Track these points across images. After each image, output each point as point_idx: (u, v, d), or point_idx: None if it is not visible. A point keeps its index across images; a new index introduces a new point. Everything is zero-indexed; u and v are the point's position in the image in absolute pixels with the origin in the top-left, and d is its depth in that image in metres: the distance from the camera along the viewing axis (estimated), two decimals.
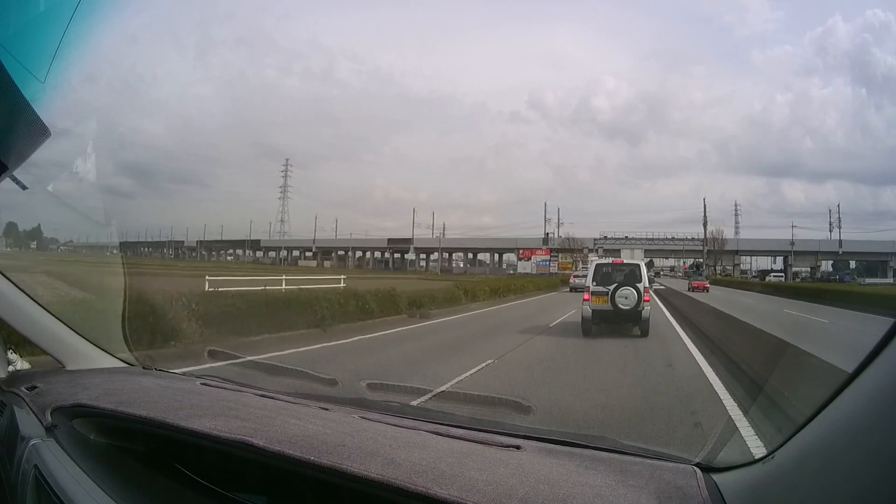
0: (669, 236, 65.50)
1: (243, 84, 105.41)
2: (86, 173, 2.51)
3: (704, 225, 62.73)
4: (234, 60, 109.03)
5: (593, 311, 10.19)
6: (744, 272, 65.47)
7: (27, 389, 1.61)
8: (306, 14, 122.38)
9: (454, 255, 76.33)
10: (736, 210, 67.22)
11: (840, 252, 59.07)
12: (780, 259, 63.82)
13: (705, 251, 61.87)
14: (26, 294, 1.76)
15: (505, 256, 72.87)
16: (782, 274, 59.05)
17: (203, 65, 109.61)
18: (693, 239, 63.76)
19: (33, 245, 37.77)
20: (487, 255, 74.98)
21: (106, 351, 1.99)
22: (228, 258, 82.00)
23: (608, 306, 9.91)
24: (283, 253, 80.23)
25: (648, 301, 10.04)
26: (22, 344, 1.87)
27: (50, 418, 1.42)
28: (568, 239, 66.23)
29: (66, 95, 1.53)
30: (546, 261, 63.49)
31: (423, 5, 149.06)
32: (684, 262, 68.68)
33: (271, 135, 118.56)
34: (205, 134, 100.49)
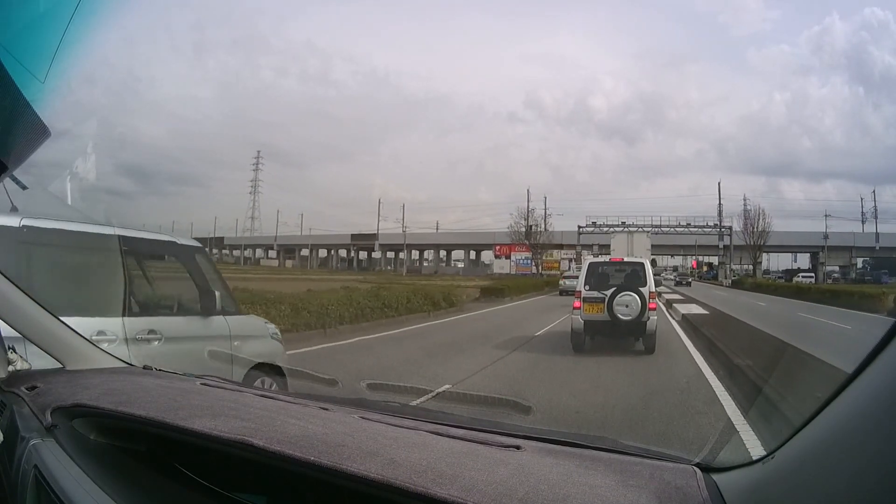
0: (684, 223, 50.68)
1: (240, 84, 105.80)
2: (85, 173, 2.51)
3: (720, 213, 52.43)
4: (231, 61, 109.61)
5: (585, 321, 8.64)
6: (766, 272, 55.39)
7: (27, 389, 1.61)
8: (303, 15, 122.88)
9: (426, 252, 69.63)
10: (745, 204, 54.51)
11: (877, 247, 50.80)
12: (800, 256, 55.85)
13: (731, 244, 50.96)
14: (26, 294, 1.76)
15: (485, 254, 64.44)
16: (812, 274, 49.96)
17: (201, 65, 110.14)
18: (715, 226, 51.06)
19: None
20: (463, 252, 66.69)
21: (106, 351, 1.99)
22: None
23: (604, 316, 8.46)
24: (248, 251, 75.47)
25: (654, 309, 8.64)
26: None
27: (50, 418, 1.42)
28: (515, 230, 54.05)
29: (65, 96, 1.53)
30: (528, 259, 55.66)
31: (419, 6, 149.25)
32: (694, 261, 59.19)
33: (268, 135, 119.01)
34: (202, 135, 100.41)
